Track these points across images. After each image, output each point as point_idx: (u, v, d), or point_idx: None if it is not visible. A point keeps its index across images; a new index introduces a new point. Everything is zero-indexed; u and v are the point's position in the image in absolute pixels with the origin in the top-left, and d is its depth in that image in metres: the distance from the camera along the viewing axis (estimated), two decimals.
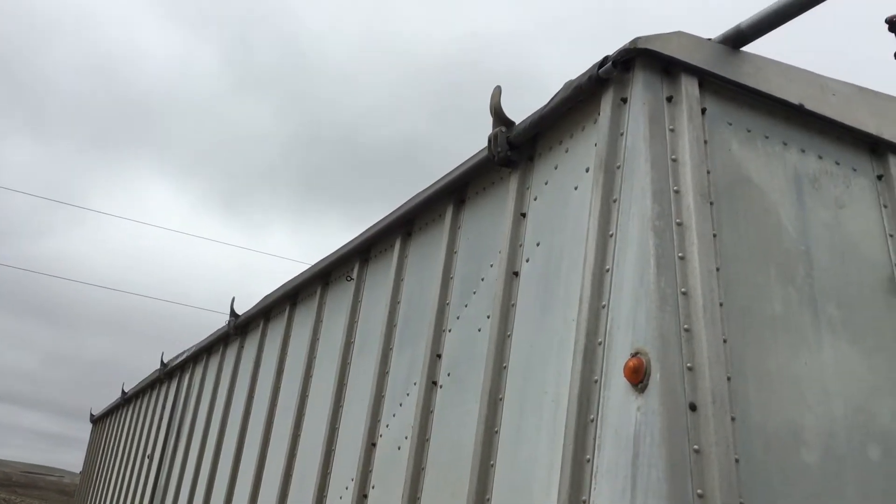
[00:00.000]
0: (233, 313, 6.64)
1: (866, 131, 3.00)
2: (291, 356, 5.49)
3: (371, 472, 3.88)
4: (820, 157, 2.90)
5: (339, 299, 4.90)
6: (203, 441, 6.98)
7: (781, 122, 2.90)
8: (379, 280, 4.42)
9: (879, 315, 2.73)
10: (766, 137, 2.84)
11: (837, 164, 2.93)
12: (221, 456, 6.39)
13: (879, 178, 2.99)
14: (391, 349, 4.04)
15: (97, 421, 14.86)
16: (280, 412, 5.40)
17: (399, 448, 3.66)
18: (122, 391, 11.75)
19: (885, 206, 2.93)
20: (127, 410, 11.66)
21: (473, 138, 3.75)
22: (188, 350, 8.24)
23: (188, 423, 7.70)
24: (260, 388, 5.95)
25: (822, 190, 2.85)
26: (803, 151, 2.89)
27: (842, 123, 2.96)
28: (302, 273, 5.40)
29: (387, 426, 3.87)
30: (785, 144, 2.87)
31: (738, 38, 2.78)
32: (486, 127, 3.38)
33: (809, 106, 2.92)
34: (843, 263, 2.75)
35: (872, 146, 3.03)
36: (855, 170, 2.96)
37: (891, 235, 2.89)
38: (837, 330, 2.62)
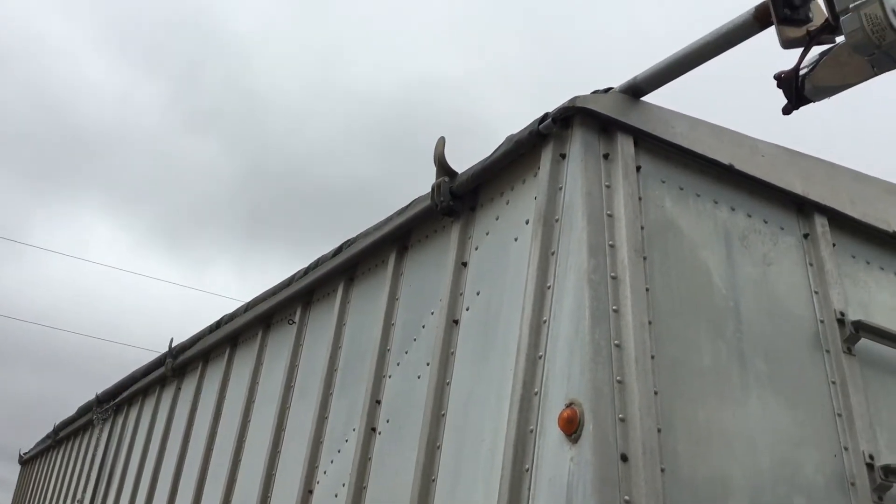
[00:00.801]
0: (171, 354, 6.52)
1: (793, 192, 3.13)
2: (230, 399, 5.42)
3: None
4: (749, 216, 3.02)
5: (280, 342, 4.87)
6: (136, 485, 6.80)
7: (713, 180, 3.01)
8: (321, 324, 4.42)
9: (805, 369, 2.83)
10: (698, 195, 2.95)
11: (766, 222, 3.05)
12: (154, 502, 6.23)
13: (805, 236, 3.12)
14: (331, 394, 4.03)
15: (26, 462, 14.35)
16: (216, 457, 5.30)
17: (336, 496, 3.63)
18: (54, 430, 11.38)
19: (811, 265, 3.06)
20: (57, 452, 11.29)
21: (422, 178, 3.81)
22: (122, 388, 8.05)
23: (121, 466, 7.49)
24: (196, 432, 5.84)
25: (750, 247, 2.96)
26: (733, 209, 3.01)
27: (770, 183, 3.09)
28: (244, 314, 5.36)
29: (324, 472, 3.84)
30: (716, 202, 2.98)
31: (635, 90, 2.86)
32: (432, 169, 3.43)
33: (739, 166, 3.04)
34: (770, 319, 2.85)
35: (799, 206, 3.16)
36: (782, 228, 3.08)
37: (815, 292, 3.00)
38: (764, 383, 2.71)
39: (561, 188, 2.79)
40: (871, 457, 2.75)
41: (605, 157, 2.79)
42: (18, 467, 15.01)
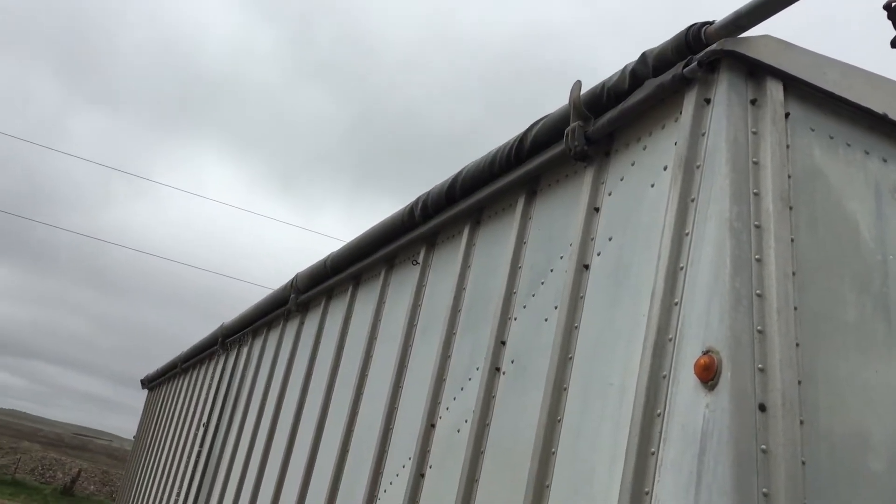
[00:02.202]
0: (295, 289, 6.79)
1: None
2: (352, 335, 5.61)
3: (429, 452, 3.98)
4: None
5: (403, 282, 4.99)
6: (259, 413, 7.17)
7: (864, 130, 2.89)
8: (445, 265, 4.50)
9: None
10: (848, 145, 2.84)
11: None
12: (277, 428, 6.56)
13: None
14: (454, 334, 4.12)
15: (153, 388, 15.29)
16: (338, 389, 5.53)
17: (458, 431, 3.74)
18: (180, 357, 12.07)
19: None
20: (183, 379, 11.99)
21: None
22: (247, 320, 8.44)
23: (245, 394, 7.91)
24: (319, 365, 6.09)
25: None
26: (885, 161, 2.88)
27: None
28: (367, 255, 5.51)
29: (447, 409, 3.95)
30: (867, 153, 2.86)
31: (736, 25, 2.70)
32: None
33: (894, 116, 2.90)
34: None
35: None
36: None
37: None
38: None
39: (704, 134, 2.74)
40: None
41: (753, 102, 2.71)
42: (138, 393, 16.01)
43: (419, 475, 3.96)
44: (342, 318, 5.80)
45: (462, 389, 3.86)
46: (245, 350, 8.53)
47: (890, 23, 2.39)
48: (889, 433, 2.46)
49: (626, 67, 3.12)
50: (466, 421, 3.67)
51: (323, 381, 5.75)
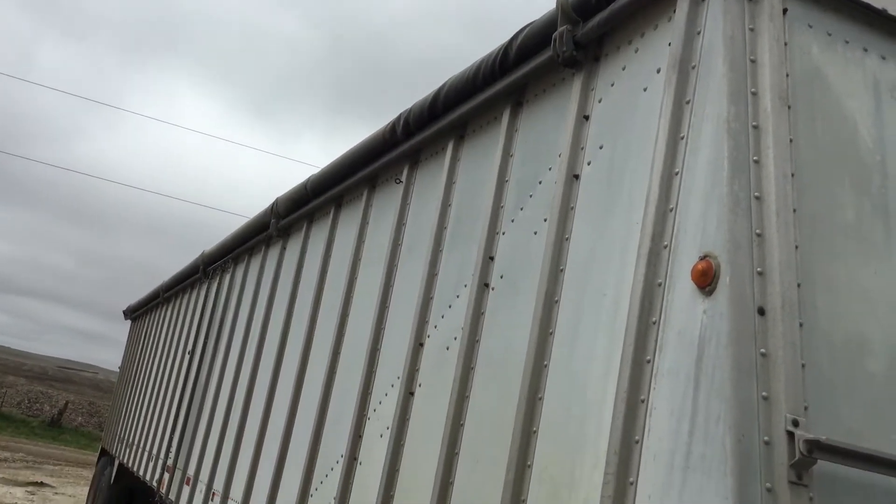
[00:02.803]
0: (276, 214, 6.67)
1: None
2: (336, 257, 5.54)
3: (418, 371, 3.95)
4: None
5: (386, 201, 4.90)
6: (245, 339, 7.14)
7: (863, 26, 2.78)
8: (429, 183, 4.40)
9: None
10: (847, 42, 2.73)
11: None
12: (263, 353, 6.54)
13: None
14: (441, 251, 4.05)
15: (136, 318, 15.24)
16: (324, 312, 5.48)
17: (448, 348, 3.70)
18: (162, 287, 11.99)
19: None
20: (166, 308, 11.92)
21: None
22: (228, 247, 8.33)
23: (230, 321, 7.86)
24: (303, 288, 6.03)
25: None
26: (883, 59, 2.79)
27: None
28: (348, 176, 5.39)
29: (435, 327, 3.91)
30: (865, 50, 2.76)
31: None
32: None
33: (893, 11, 2.79)
34: None
35: None
36: None
37: None
38: None
39: (699, 32, 2.62)
40: None
41: None
42: (121, 326, 15.97)
43: (408, 394, 3.94)
44: (325, 242, 5.72)
45: (450, 307, 3.81)
46: (227, 277, 8.46)
47: None
48: (887, 335, 2.44)
49: None
50: (455, 338, 3.63)
51: (307, 305, 5.70)
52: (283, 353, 6.05)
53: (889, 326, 2.44)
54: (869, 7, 2.77)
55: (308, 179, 6.09)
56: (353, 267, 5.11)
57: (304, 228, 6.27)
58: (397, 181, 4.74)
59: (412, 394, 3.93)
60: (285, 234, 6.74)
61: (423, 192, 4.47)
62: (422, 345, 3.97)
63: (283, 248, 6.76)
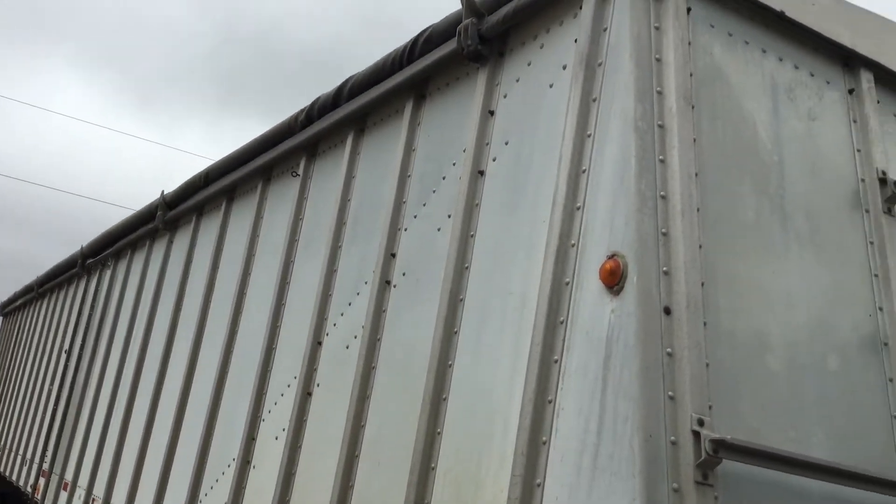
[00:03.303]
0: (162, 206, 6.37)
1: (841, 43, 2.97)
2: (227, 253, 5.32)
3: (316, 370, 3.82)
4: (796, 67, 2.87)
5: (282, 195, 4.73)
6: (128, 336, 6.79)
7: (762, 28, 2.84)
8: (328, 176, 4.27)
9: (844, 228, 2.77)
10: (747, 43, 2.78)
11: (812, 75, 2.91)
12: (149, 351, 6.23)
13: (850, 91, 2.98)
14: (340, 247, 3.94)
15: (7, 313, 14.38)
16: (215, 309, 5.26)
17: (348, 347, 3.59)
18: (36, 281, 11.32)
19: (855, 121, 2.94)
20: (41, 304, 11.27)
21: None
22: (110, 240, 7.93)
23: (111, 317, 7.47)
24: (192, 286, 5.77)
25: (796, 101, 2.82)
26: (781, 60, 2.85)
27: (819, 34, 2.92)
28: (243, 167, 5.19)
29: (334, 325, 3.79)
30: (764, 52, 2.82)
31: None
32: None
33: (790, 14, 2.86)
34: (812, 176, 2.76)
35: (846, 59, 3.01)
36: (828, 82, 2.94)
37: (858, 150, 2.90)
38: (804, 241, 2.64)
39: (605, 29, 2.61)
40: None
41: None
42: None
43: (306, 394, 3.81)
44: (216, 236, 5.48)
45: (350, 305, 3.70)
46: (108, 272, 8.04)
47: None
48: (785, 333, 2.49)
49: None
50: (356, 337, 3.53)
51: (197, 302, 5.46)
52: (169, 351, 5.78)
53: (786, 325, 2.49)
54: (767, 8, 2.83)
55: (201, 172, 5.83)
56: (246, 262, 4.91)
57: (192, 221, 6.01)
58: (294, 174, 4.58)
59: (310, 394, 3.80)
60: (172, 227, 6.44)
61: (321, 186, 4.33)
62: (320, 343, 3.84)
63: (171, 242, 6.47)
